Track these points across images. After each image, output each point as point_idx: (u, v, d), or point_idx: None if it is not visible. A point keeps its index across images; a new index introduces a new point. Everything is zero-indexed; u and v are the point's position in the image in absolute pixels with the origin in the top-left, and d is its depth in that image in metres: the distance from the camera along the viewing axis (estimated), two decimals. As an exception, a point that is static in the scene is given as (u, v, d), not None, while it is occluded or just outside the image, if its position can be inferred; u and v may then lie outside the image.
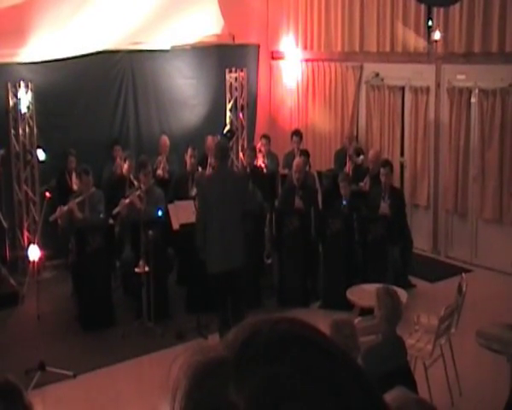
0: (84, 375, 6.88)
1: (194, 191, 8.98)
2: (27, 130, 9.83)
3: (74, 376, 6.80)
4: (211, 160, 10.48)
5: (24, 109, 9.74)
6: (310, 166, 10.56)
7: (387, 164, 9.12)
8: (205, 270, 7.13)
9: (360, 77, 11.44)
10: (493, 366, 6.98)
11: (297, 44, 12.58)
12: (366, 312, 6.30)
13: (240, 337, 0.85)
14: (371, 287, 6.21)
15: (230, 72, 12.14)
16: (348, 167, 10.23)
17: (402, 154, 10.92)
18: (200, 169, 9.81)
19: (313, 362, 0.83)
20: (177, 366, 0.87)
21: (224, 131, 11.71)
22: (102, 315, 8.06)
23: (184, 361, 0.86)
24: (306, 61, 12.42)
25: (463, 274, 7.08)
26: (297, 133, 11.00)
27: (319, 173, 10.84)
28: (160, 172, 10.29)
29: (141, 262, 7.77)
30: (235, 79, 12.20)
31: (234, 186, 7.10)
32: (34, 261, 7.12)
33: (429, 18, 9.94)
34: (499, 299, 8.63)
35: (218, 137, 10.94)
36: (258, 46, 12.85)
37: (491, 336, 7.27)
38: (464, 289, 6.55)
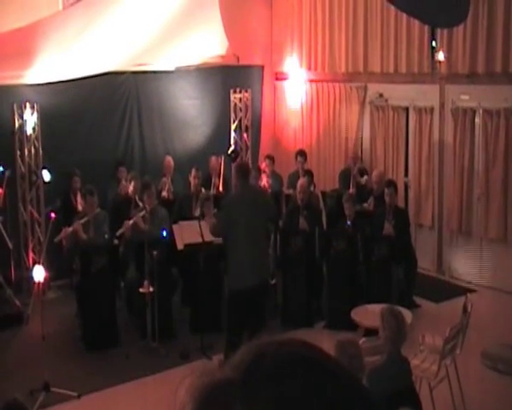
0: (89, 395, 6.87)
1: (198, 211, 9.00)
2: (33, 151, 9.87)
3: (79, 396, 6.78)
4: (215, 180, 10.53)
5: (29, 130, 9.78)
6: (314, 187, 10.57)
7: (392, 184, 9.12)
8: (225, 287, 7.11)
9: (364, 97, 11.48)
10: (498, 387, 6.94)
11: (301, 65, 12.63)
12: (371, 332, 6.28)
13: (246, 359, 0.86)
14: (376, 307, 6.20)
15: (235, 92, 12.19)
16: (352, 188, 10.23)
17: (406, 174, 10.92)
18: (203, 190, 9.83)
19: (319, 383, 0.84)
20: (184, 388, 0.87)
21: (229, 152, 11.73)
22: (107, 336, 8.05)
23: (191, 383, 0.87)
24: (310, 81, 12.47)
25: (468, 294, 7.06)
26: (301, 153, 11.02)
27: (323, 194, 10.85)
28: (164, 193, 10.32)
29: (145, 282, 7.77)
30: (240, 99, 12.25)
31: (258, 202, 7.15)
32: (39, 282, 7.11)
33: (433, 39, 10.00)
34: (504, 319, 8.59)
35: (223, 157, 10.97)
36: (263, 67, 12.92)
37: (496, 356, 7.26)
38: (469, 309, 6.53)
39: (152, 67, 11.12)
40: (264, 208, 7.23)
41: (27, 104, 9.74)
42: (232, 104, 12.19)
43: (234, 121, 12.24)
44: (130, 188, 9.55)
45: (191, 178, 9.89)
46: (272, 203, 7.62)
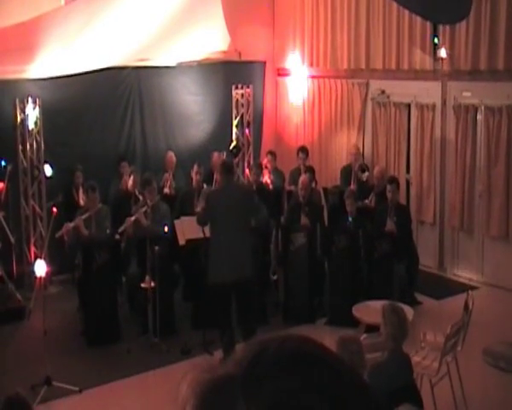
0: (90, 390, 6.88)
1: (199, 207, 9.01)
2: (35, 145, 9.87)
3: (80, 391, 6.79)
4: (217, 176, 10.52)
5: (31, 125, 9.79)
6: (316, 183, 10.56)
7: (394, 181, 9.12)
8: (207, 282, 7.17)
9: (366, 94, 11.47)
10: (500, 385, 6.95)
11: (303, 61, 12.62)
12: (372, 329, 6.29)
13: (248, 355, 0.86)
14: (377, 304, 6.21)
15: (237, 88, 12.18)
16: (353, 184, 10.23)
17: (408, 171, 10.92)
18: (205, 186, 9.83)
19: (321, 379, 0.84)
20: (186, 384, 0.87)
21: (231, 148, 11.73)
22: (108, 330, 8.06)
23: (193, 379, 0.87)
24: (312, 77, 12.46)
25: (470, 291, 7.05)
26: (303, 150, 11.01)
27: (325, 190, 10.84)
28: (166, 190, 10.32)
29: (147, 278, 7.77)
30: (242, 95, 12.24)
31: (240, 199, 7.24)
32: (41, 276, 7.12)
33: (435, 35, 9.98)
34: (506, 317, 8.59)
35: (224, 153, 10.97)
36: (265, 63, 12.91)
37: (497, 354, 7.26)
38: (471, 306, 6.53)
39: (154, 62, 11.13)
40: (247, 206, 7.28)
41: (29, 99, 9.75)
42: (234, 100, 12.19)
43: (236, 117, 12.24)
44: (130, 182, 9.55)
45: (193, 174, 9.89)
46: (256, 201, 7.64)
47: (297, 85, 12.72)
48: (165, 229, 8.19)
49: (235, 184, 7.83)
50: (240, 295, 7.16)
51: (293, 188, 10.29)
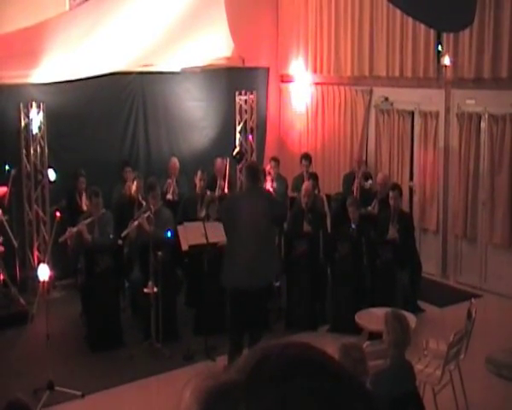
0: (93, 395, 6.88)
1: (203, 213, 9.02)
2: (38, 150, 9.90)
3: (82, 396, 6.79)
4: (220, 182, 10.54)
5: (35, 130, 9.81)
6: (319, 190, 10.56)
7: (396, 187, 9.11)
8: (220, 285, 7.17)
9: (369, 101, 11.47)
10: (503, 393, 6.94)
11: (306, 68, 12.64)
12: (375, 336, 6.28)
13: (251, 361, 0.87)
14: (380, 311, 6.20)
15: (240, 94, 12.19)
16: (356, 191, 10.22)
17: (411, 178, 10.91)
18: (208, 192, 9.83)
19: (323, 386, 0.84)
20: (189, 390, 0.88)
21: (234, 154, 11.73)
22: (111, 336, 8.06)
23: (196, 385, 0.87)
24: (316, 84, 12.47)
25: (473, 299, 7.05)
26: (306, 157, 11.02)
27: (328, 197, 10.84)
28: (169, 196, 10.33)
29: (149, 283, 7.78)
30: (245, 101, 12.25)
31: (263, 206, 6.98)
32: (44, 281, 7.12)
33: (439, 43, 9.99)
34: (509, 325, 8.57)
35: (228, 159, 10.97)
36: (268, 69, 12.92)
37: (500, 362, 7.25)
38: (474, 314, 6.52)
39: (158, 68, 11.14)
40: (269, 211, 7.01)
41: (33, 103, 9.77)
42: (237, 106, 12.19)
43: (239, 123, 12.24)
44: (133, 188, 9.57)
45: (196, 180, 9.90)
46: (280, 201, 7.50)
47: (300, 92, 12.73)
48: (168, 234, 8.19)
49: (259, 189, 7.50)
50: (254, 302, 7.04)
51: (296, 195, 10.29)
